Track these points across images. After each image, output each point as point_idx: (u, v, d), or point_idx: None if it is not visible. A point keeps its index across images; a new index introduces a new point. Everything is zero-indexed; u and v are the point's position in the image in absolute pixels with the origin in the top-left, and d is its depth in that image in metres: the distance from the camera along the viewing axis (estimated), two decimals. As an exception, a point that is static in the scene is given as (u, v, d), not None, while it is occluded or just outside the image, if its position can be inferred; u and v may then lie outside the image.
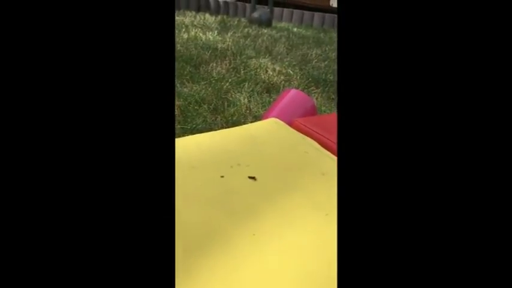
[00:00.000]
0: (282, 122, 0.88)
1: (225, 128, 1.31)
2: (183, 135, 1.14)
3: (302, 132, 0.86)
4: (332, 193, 0.60)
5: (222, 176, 0.61)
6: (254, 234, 0.47)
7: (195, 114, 1.34)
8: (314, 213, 0.54)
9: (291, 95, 1.14)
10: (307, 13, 4.10)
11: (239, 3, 3.91)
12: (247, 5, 3.67)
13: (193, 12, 3.44)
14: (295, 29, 3.53)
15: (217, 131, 0.80)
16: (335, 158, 0.74)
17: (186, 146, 0.70)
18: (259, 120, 1.25)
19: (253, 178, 0.62)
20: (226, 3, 3.84)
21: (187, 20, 2.97)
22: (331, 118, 0.98)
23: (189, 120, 1.29)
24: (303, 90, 1.83)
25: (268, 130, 0.83)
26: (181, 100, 1.42)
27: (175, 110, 1.34)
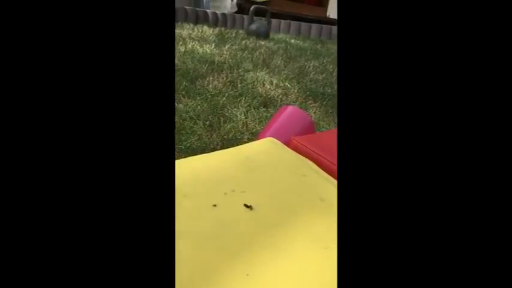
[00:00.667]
0: (278, 142, 0.85)
1: (221, 146, 1.28)
2: (178, 156, 1.11)
3: (300, 152, 0.83)
4: (332, 222, 0.57)
5: (215, 205, 0.58)
6: (248, 275, 0.44)
7: (189, 132, 1.31)
8: (313, 247, 0.51)
9: (288, 112, 1.11)
10: (304, 24, 4.11)
11: (237, 15, 3.92)
12: (245, 16, 3.68)
13: (191, 25, 3.44)
14: (292, 41, 3.52)
15: (211, 153, 0.77)
16: (334, 182, 0.70)
17: (177, 171, 0.66)
18: (256, 136, 1.22)
19: (249, 207, 0.58)
20: (224, 15, 3.84)
21: (184, 33, 2.97)
22: (329, 136, 0.95)
23: (183, 138, 1.25)
24: (300, 104, 1.81)
25: (264, 151, 0.80)
26: (176, 117, 1.39)
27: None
